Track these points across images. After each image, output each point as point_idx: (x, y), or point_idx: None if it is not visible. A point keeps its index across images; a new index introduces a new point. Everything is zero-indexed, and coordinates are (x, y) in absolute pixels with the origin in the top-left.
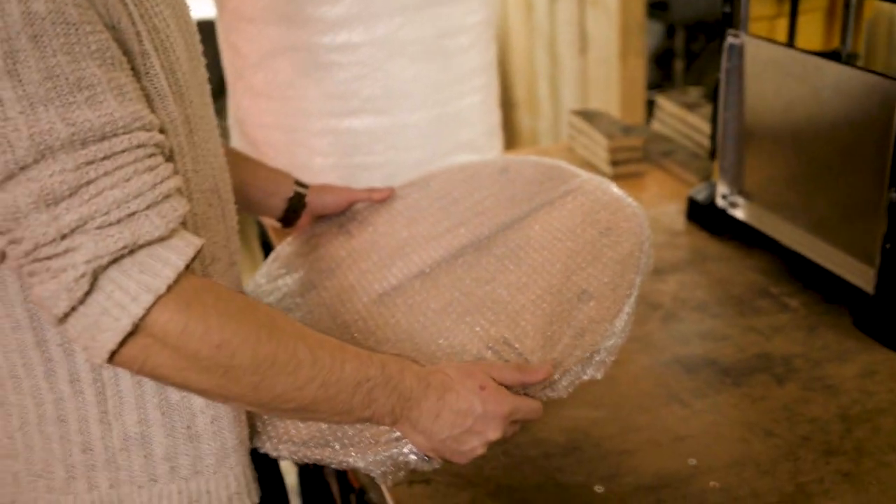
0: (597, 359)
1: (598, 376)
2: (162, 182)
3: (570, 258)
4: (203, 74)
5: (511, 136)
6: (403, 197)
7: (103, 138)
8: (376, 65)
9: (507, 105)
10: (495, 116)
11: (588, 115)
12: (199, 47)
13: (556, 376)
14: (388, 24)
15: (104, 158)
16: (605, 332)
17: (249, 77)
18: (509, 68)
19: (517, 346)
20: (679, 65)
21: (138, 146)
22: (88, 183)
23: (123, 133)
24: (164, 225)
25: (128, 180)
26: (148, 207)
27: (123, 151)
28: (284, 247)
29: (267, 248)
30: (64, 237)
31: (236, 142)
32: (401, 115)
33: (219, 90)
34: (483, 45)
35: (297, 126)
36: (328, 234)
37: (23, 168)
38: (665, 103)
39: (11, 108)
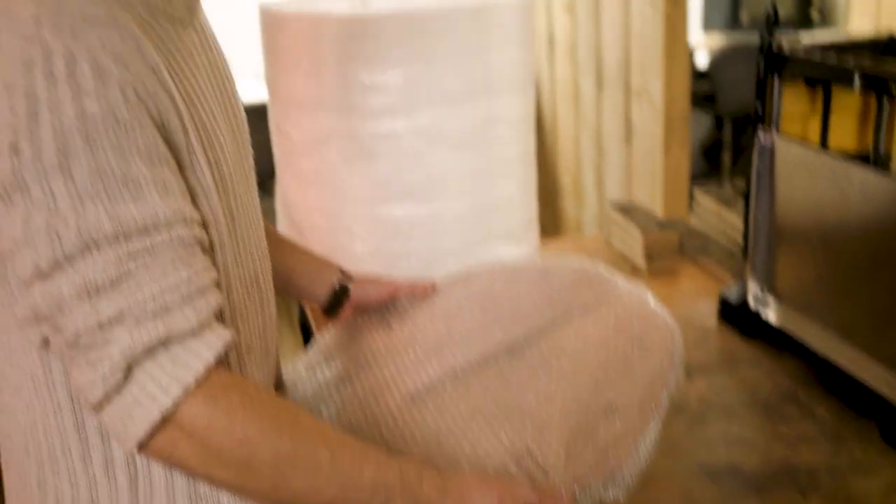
0: (619, 478)
1: (620, 498)
2: (197, 276)
3: (600, 369)
4: (249, 164)
5: (555, 224)
6: (445, 292)
7: (145, 233)
8: (418, 153)
9: (553, 192)
10: (532, 207)
11: (625, 209)
12: (247, 137)
13: (576, 492)
14: (431, 115)
15: (145, 252)
16: (629, 451)
17: (297, 162)
18: (556, 156)
19: (540, 459)
20: (727, 157)
21: (177, 241)
22: (128, 276)
23: (164, 228)
24: (196, 319)
25: (165, 275)
26: (182, 301)
27: (163, 246)
28: (325, 336)
29: (306, 330)
30: (102, 328)
31: (282, 224)
32: (440, 203)
33: (269, 173)
34: (522, 137)
35: (340, 211)
36: (369, 325)
37: (69, 259)
38: (702, 198)
39: (62, 202)
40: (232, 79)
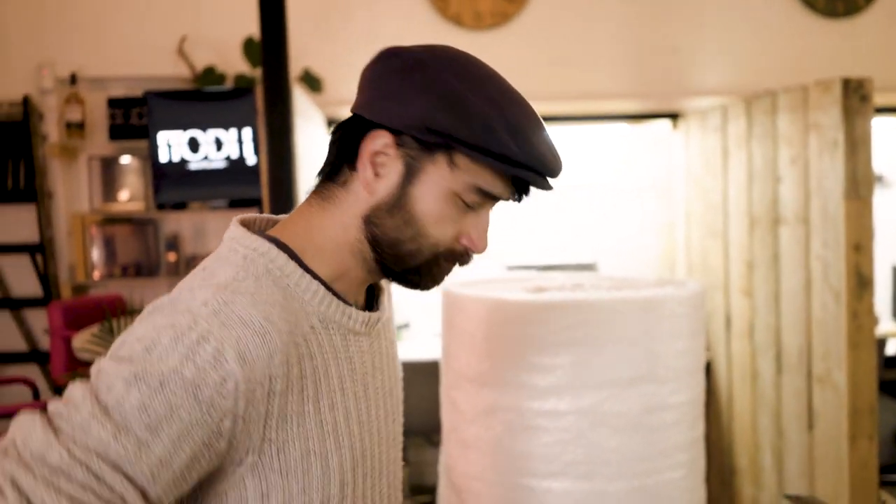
0: None
1: None
2: None
3: None
4: (395, 445)
5: None
6: None
7: (116, 468)
8: (580, 432)
9: (729, 471)
10: (699, 494)
11: (802, 502)
12: (400, 421)
13: None
14: (595, 396)
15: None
16: None
17: (463, 430)
18: (732, 436)
19: None
20: None
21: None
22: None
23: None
24: None
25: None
26: None
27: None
28: None
29: None
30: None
31: (443, 488)
32: (600, 483)
33: (436, 426)
34: (688, 423)
35: (499, 481)
36: None
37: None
38: (891, 500)
39: (103, 420)
40: (396, 373)
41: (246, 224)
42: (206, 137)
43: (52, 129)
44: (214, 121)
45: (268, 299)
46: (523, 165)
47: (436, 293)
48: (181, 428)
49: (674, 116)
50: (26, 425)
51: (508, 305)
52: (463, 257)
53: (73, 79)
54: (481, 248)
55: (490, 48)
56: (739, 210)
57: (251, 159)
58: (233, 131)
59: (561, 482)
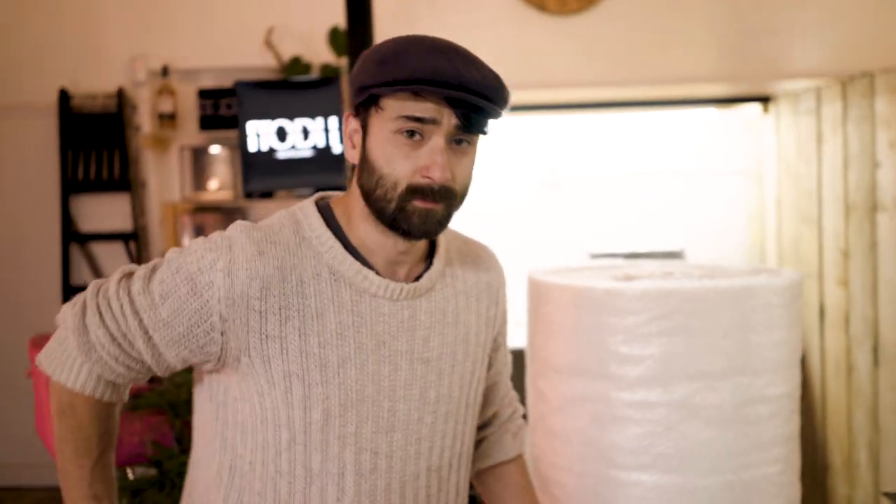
0: None
1: None
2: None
3: None
4: (429, 411)
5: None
6: None
7: (134, 314)
8: (671, 425)
9: (821, 468)
10: (794, 490)
11: None
12: (449, 395)
13: None
14: (687, 388)
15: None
16: None
17: (550, 420)
18: (826, 431)
19: None
20: None
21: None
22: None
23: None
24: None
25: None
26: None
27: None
28: None
29: None
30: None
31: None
32: (692, 477)
33: None
34: (784, 417)
35: (587, 472)
36: None
37: (125, 285)
38: None
39: (140, 281)
40: (444, 348)
41: (322, 198)
42: (293, 127)
43: (144, 120)
44: (301, 110)
45: (275, 240)
46: (416, 80)
47: (520, 281)
48: (179, 304)
49: (764, 100)
50: (118, 270)
51: (597, 293)
52: (427, 191)
53: (165, 71)
54: (436, 175)
55: (575, 33)
56: (834, 196)
57: (337, 148)
58: (319, 120)
59: (651, 475)
